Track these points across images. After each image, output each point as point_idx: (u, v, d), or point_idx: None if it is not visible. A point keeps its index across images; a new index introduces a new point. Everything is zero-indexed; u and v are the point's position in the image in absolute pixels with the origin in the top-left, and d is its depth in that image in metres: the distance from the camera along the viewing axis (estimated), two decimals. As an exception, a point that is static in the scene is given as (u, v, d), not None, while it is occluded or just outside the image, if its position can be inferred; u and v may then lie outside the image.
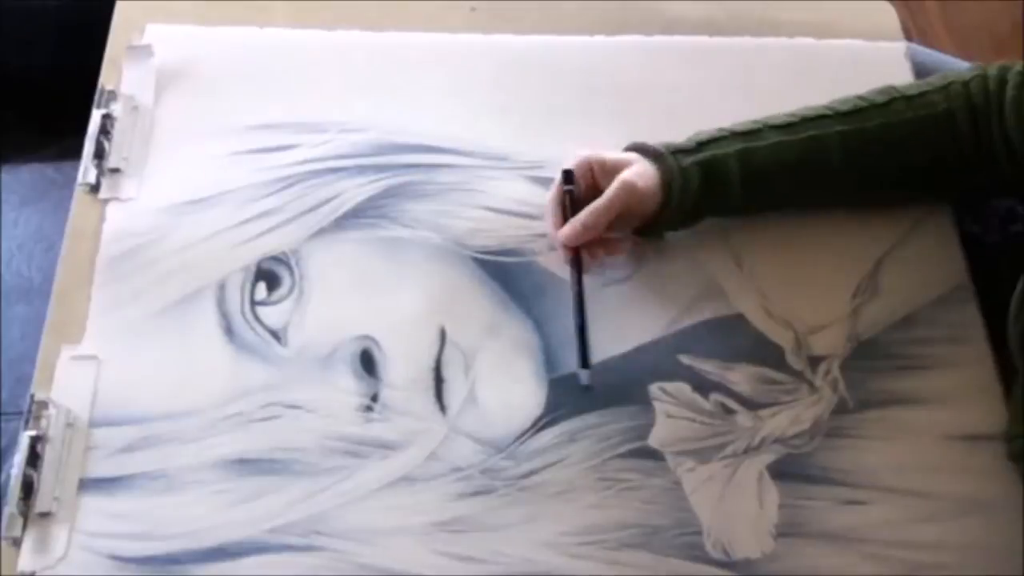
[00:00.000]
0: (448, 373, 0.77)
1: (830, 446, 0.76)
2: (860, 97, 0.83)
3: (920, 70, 0.94)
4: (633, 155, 0.81)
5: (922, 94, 0.82)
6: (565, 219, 0.80)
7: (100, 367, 0.75)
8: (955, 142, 0.81)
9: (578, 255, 0.79)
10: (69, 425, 0.73)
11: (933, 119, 0.81)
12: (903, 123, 0.81)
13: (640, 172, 0.79)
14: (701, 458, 0.75)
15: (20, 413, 0.72)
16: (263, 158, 0.85)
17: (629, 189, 0.78)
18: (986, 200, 0.91)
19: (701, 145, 0.80)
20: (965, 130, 0.81)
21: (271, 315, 0.78)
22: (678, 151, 0.80)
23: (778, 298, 0.82)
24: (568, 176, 0.81)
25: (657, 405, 0.77)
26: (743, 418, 0.77)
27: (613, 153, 0.82)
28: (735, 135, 0.81)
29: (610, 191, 0.78)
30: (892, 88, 0.83)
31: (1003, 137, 0.80)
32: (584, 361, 0.76)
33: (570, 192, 0.81)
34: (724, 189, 0.80)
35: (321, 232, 0.82)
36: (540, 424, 0.75)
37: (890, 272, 0.84)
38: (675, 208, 0.79)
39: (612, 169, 0.80)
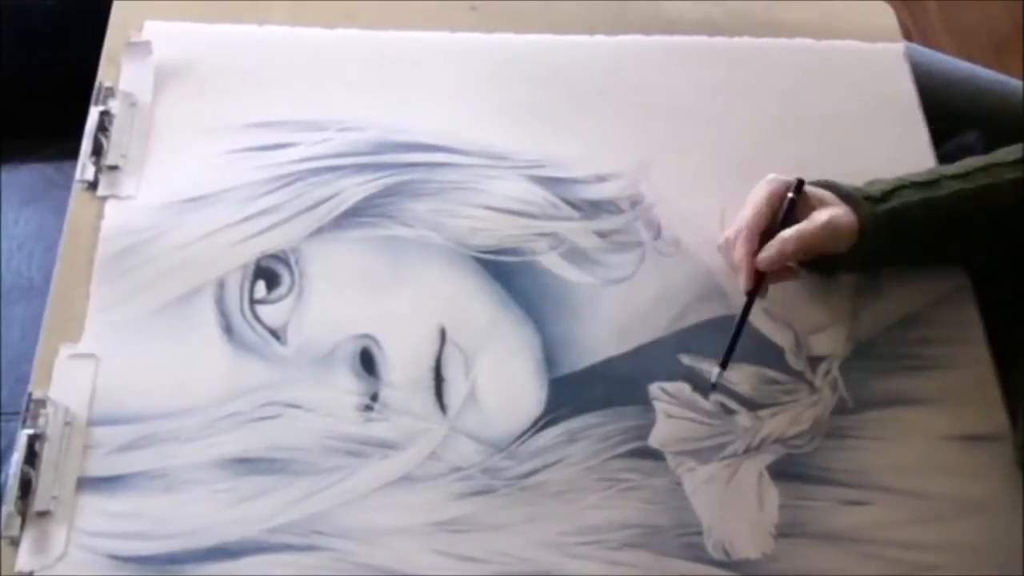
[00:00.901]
0: (448, 373, 0.77)
1: (830, 446, 0.76)
2: (1019, 146, 0.82)
3: (920, 71, 0.95)
4: (827, 192, 0.80)
5: None
6: (772, 216, 0.78)
7: (99, 365, 0.75)
8: None
9: (758, 283, 0.78)
10: (67, 424, 0.72)
11: None
12: None
13: (843, 214, 0.77)
14: (701, 458, 0.75)
15: (19, 412, 0.72)
16: (262, 156, 0.85)
17: (833, 231, 0.77)
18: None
19: (885, 194, 0.79)
20: None
21: (270, 314, 0.78)
22: (868, 197, 0.79)
23: (778, 298, 0.82)
24: (800, 186, 0.79)
25: (657, 405, 0.77)
26: (743, 418, 0.77)
27: (813, 188, 0.80)
28: (916, 185, 0.80)
29: (815, 227, 0.76)
30: None
31: None
32: (724, 362, 0.77)
33: (793, 201, 0.78)
34: (909, 240, 0.79)
35: (320, 231, 0.82)
36: (540, 424, 0.75)
37: (890, 272, 0.84)
38: (863, 256, 0.79)
39: (814, 203, 0.78)
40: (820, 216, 0.77)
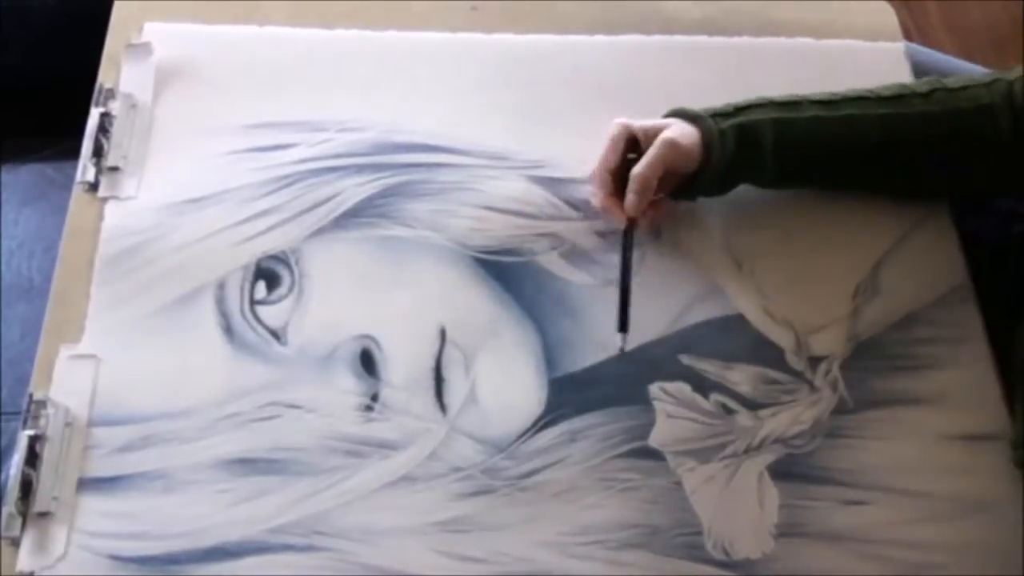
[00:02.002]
0: (448, 373, 0.77)
1: (830, 446, 0.76)
2: (903, 85, 0.84)
3: (920, 70, 0.95)
4: (671, 119, 0.81)
5: (965, 87, 0.82)
6: (617, 187, 0.80)
7: (99, 366, 0.75)
8: (993, 137, 0.81)
9: (633, 223, 0.80)
10: (68, 424, 0.72)
11: (974, 112, 0.81)
12: (944, 113, 0.81)
13: (681, 131, 0.79)
14: (701, 458, 0.75)
15: (20, 413, 0.72)
16: (262, 157, 0.85)
17: (671, 146, 0.78)
18: (988, 200, 0.91)
19: (738, 110, 0.81)
20: (1005, 126, 0.80)
21: (271, 314, 0.78)
22: (716, 114, 0.81)
23: (778, 298, 0.82)
24: (634, 145, 0.81)
25: (657, 405, 0.77)
26: (743, 418, 0.77)
27: (652, 119, 0.82)
28: (774, 104, 0.81)
29: (653, 149, 0.78)
30: (936, 80, 0.84)
31: None
32: (623, 325, 0.78)
33: (635, 159, 0.80)
34: (758, 155, 0.81)
35: (320, 231, 0.82)
36: (540, 424, 0.75)
37: (890, 272, 0.84)
38: (713, 169, 0.80)
39: (653, 133, 0.80)
40: (660, 139, 0.79)
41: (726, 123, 0.80)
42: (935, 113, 0.81)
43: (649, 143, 0.79)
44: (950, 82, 0.83)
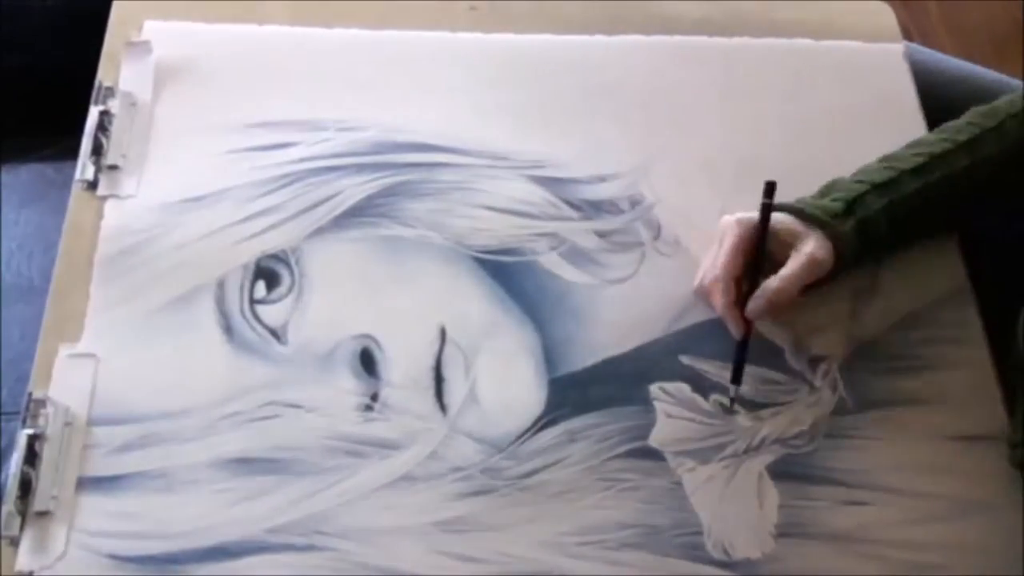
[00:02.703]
0: (448, 372, 0.77)
1: (830, 446, 0.76)
2: (970, 123, 0.83)
3: (919, 70, 0.95)
4: (792, 220, 0.79)
5: None
6: (745, 258, 0.78)
7: (98, 365, 0.75)
8: None
9: (750, 330, 0.78)
10: (67, 424, 0.72)
11: None
12: (1016, 143, 0.82)
13: (820, 246, 0.78)
14: (701, 458, 0.75)
15: (20, 412, 0.72)
16: (262, 156, 0.85)
17: (816, 267, 0.77)
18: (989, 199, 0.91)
19: (849, 205, 0.79)
20: None
21: (270, 313, 0.78)
22: (836, 215, 0.79)
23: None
24: (770, 190, 0.79)
25: (657, 405, 0.77)
26: (743, 418, 0.77)
27: (777, 218, 0.79)
28: (875, 187, 0.80)
29: (799, 267, 0.77)
30: (994, 108, 0.83)
31: None
32: (736, 378, 0.77)
33: (768, 207, 0.78)
34: (875, 247, 0.81)
35: (320, 231, 0.82)
36: (540, 424, 0.75)
37: (890, 272, 0.84)
38: (839, 273, 0.80)
39: (785, 238, 0.78)
40: (802, 256, 0.77)
41: (847, 224, 0.79)
42: (1008, 146, 0.81)
43: (778, 248, 0.78)
44: (1011, 107, 0.83)
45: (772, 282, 0.77)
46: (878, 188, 0.80)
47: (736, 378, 0.77)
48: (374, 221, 0.83)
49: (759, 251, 0.78)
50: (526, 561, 0.71)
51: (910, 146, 0.83)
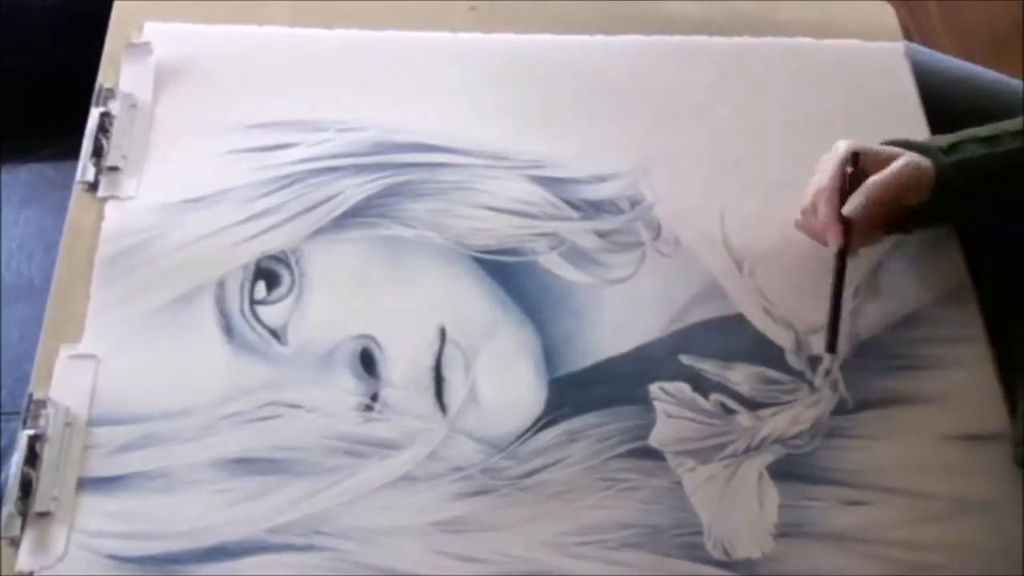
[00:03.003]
0: (448, 373, 0.77)
1: (830, 446, 0.76)
2: None
3: (919, 70, 0.95)
4: (897, 149, 0.80)
5: None
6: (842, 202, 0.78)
7: (99, 366, 0.75)
8: None
9: (848, 245, 0.78)
10: (68, 424, 0.72)
11: None
12: None
13: (921, 160, 0.79)
14: (701, 458, 0.75)
15: (20, 413, 0.72)
16: (262, 156, 0.85)
17: (915, 169, 0.78)
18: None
19: (953, 146, 0.80)
20: None
21: (271, 314, 0.78)
22: (937, 148, 0.80)
23: (778, 298, 0.82)
24: (856, 158, 0.79)
25: (657, 405, 0.77)
26: (743, 418, 0.77)
27: (883, 147, 0.81)
28: (978, 139, 0.81)
29: (897, 167, 0.78)
30: None
31: None
32: (831, 346, 0.77)
33: (855, 174, 0.79)
34: (975, 191, 0.80)
35: (321, 231, 0.82)
36: (540, 424, 0.75)
37: (890, 272, 0.84)
38: (940, 205, 0.79)
39: (885, 158, 0.79)
40: (899, 162, 0.78)
41: (947, 159, 0.79)
42: None
43: (877, 167, 0.78)
44: None
45: (872, 178, 0.77)
46: (981, 140, 0.81)
47: (833, 325, 0.77)
48: (374, 221, 0.83)
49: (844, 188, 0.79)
50: (526, 561, 0.71)
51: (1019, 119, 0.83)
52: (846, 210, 0.78)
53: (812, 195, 0.81)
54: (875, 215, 0.78)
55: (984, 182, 0.80)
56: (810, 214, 0.81)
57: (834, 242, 0.79)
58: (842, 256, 0.78)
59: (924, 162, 0.79)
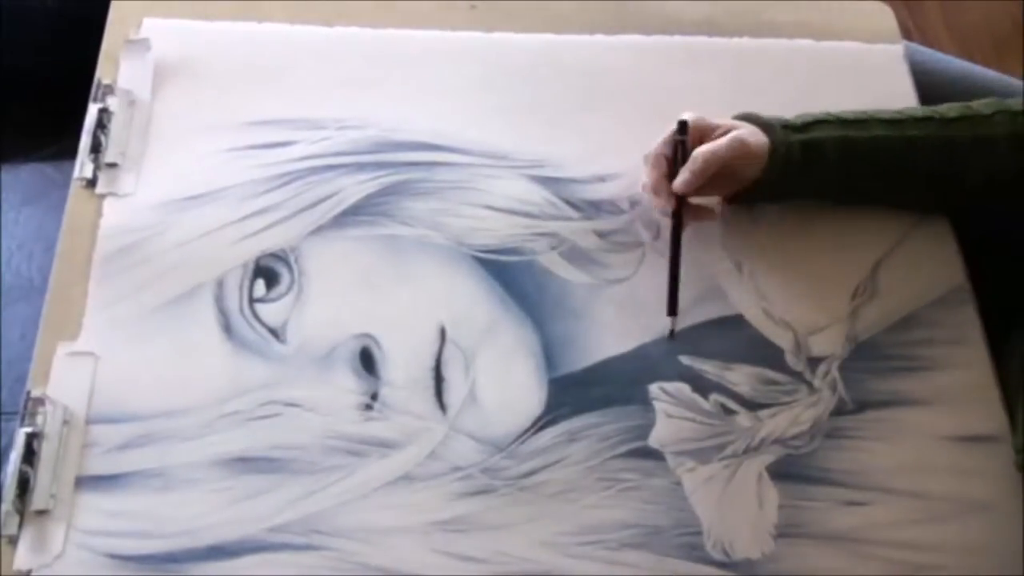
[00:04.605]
0: (448, 372, 0.76)
1: (830, 447, 0.76)
2: (966, 106, 0.83)
3: (919, 70, 0.95)
4: (740, 121, 0.82)
5: None
6: (671, 170, 0.80)
7: (97, 364, 0.75)
8: None
9: (681, 205, 0.80)
10: (66, 422, 0.72)
11: None
12: (1006, 136, 0.82)
13: (752, 132, 0.80)
14: (701, 458, 0.75)
15: (19, 412, 0.71)
16: (261, 154, 0.85)
17: (740, 143, 0.79)
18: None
19: (807, 125, 0.81)
20: None
21: (270, 312, 0.78)
22: (786, 126, 0.81)
23: (778, 299, 0.82)
24: (683, 127, 0.81)
25: (657, 405, 0.77)
26: (743, 418, 0.77)
27: (721, 118, 0.82)
28: (841, 121, 0.82)
29: (722, 141, 0.79)
30: (999, 102, 0.83)
31: None
32: (672, 308, 0.78)
33: (683, 143, 0.81)
34: (820, 172, 0.81)
35: (320, 229, 0.82)
36: (540, 424, 0.75)
37: (889, 273, 0.84)
38: (775, 178, 0.80)
39: (722, 131, 0.80)
40: (729, 135, 0.79)
41: (795, 137, 0.80)
42: (998, 135, 0.81)
43: (715, 139, 0.80)
44: (1013, 104, 0.83)
45: (697, 149, 0.79)
46: (843, 122, 0.82)
47: (674, 263, 0.79)
48: (374, 220, 0.82)
49: (674, 170, 0.80)
50: (526, 561, 0.71)
51: (898, 109, 0.84)
52: (676, 185, 0.79)
53: (646, 158, 0.83)
54: (708, 187, 0.79)
55: (834, 163, 0.80)
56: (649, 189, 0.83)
57: (661, 207, 0.81)
58: (676, 218, 0.80)
59: (757, 137, 0.80)
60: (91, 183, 0.82)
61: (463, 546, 0.71)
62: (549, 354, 0.78)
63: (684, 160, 0.80)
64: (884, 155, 0.81)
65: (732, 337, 0.80)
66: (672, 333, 0.79)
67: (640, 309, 0.81)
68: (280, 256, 0.80)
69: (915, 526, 0.74)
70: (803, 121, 0.81)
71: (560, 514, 0.72)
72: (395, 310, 0.79)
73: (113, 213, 0.81)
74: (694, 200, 0.81)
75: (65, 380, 0.74)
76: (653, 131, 0.83)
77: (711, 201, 0.84)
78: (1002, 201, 0.84)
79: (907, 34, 1.00)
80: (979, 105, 0.83)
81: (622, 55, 0.94)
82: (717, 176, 0.79)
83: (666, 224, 0.82)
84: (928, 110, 0.84)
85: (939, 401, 0.79)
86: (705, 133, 0.81)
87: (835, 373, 0.79)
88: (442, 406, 0.75)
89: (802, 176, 0.81)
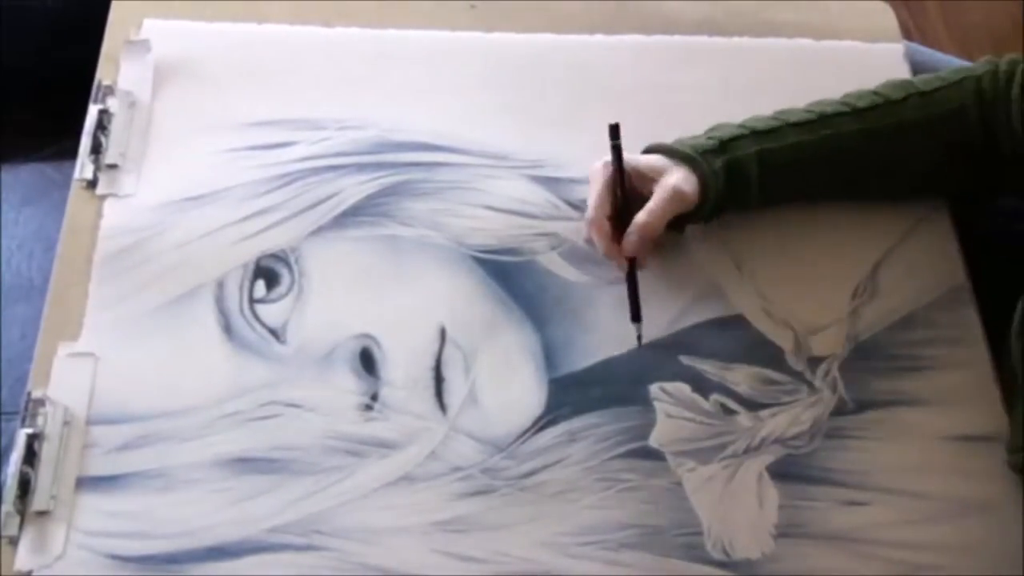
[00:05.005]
0: (448, 372, 0.76)
1: (830, 447, 0.76)
2: (876, 92, 0.83)
3: (919, 70, 0.94)
4: (658, 158, 0.81)
5: (937, 89, 0.83)
6: (613, 194, 0.79)
7: (98, 364, 0.75)
8: (965, 138, 0.82)
9: (634, 262, 0.79)
10: (66, 423, 0.72)
11: (947, 116, 0.82)
12: (918, 121, 0.82)
13: (683, 178, 0.79)
14: (701, 458, 0.75)
15: (19, 412, 0.72)
16: (262, 155, 0.85)
17: (679, 197, 0.78)
18: (992, 200, 0.91)
19: (723, 144, 0.81)
20: (975, 126, 0.81)
21: (270, 313, 0.78)
22: (705, 151, 0.80)
23: (778, 299, 0.82)
24: (615, 131, 0.80)
25: (657, 405, 0.77)
26: (743, 418, 0.77)
27: (643, 157, 0.81)
28: (755, 134, 0.81)
29: (659, 200, 0.78)
30: (909, 83, 0.84)
31: (1008, 133, 0.80)
32: (636, 315, 0.78)
33: (617, 147, 0.80)
34: (744, 189, 0.81)
35: (320, 230, 0.82)
36: (540, 424, 0.75)
37: (889, 273, 0.84)
38: (707, 207, 0.80)
39: (648, 174, 0.80)
40: (665, 188, 0.78)
41: (717, 161, 0.80)
42: (909, 122, 0.82)
43: (644, 184, 0.79)
44: (922, 83, 0.83)
45: (640, 216, 0.78)
46: (757, 134, 0.81)
47: (635, 315, 0.78)
48: (374, 220, 0.83)
49: (617, 193, 0.79)
50: (526, 561, 0.71)
51: (809, 104, 0.84)
52: (626, 250, 0.78)
53: (587, 227, 0.81)
54: (653, 236, 0.79)
55: (759, 177, 0.80)
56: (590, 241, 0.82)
57: (618, 266, 0.80)
58: (631, 275, 0.79)
59: (689, 178, 0.79)
60: (91, 184, 0.82)
61: (463, 546, 0.71)
62: (549, 354, 0.78)
63: (620, 164, 0.79)
64: (802, 159, 0.81)
65: (732, 337, 0.80)
66: (639, 339, 0.78)
67: (641, 309, 0.80)
68: (280, 257, 0.80)
69: (915, 526, 0.74)
70: (720, 140, 0.81)
71: (560, 514, 0.72)
72: (395, 310, 0.79)
73: (113, 214, 0.81)
74: None
75: (66, 381, 0.74)
76: (653, 131, 0.83)
77: None
78: (933, 188, 0.86)
79: (907, 34, 1.00)
80: (888, 89, 0.83)
81: (622, 55, 0.94)
82: None
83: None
84: (840, 104, 0.83)
85: (939, 401, 0.79)
86: (635, 177, 0.80)
87: (835, 373, 0.79)
88: (442, 406, 0.75)
89: (728, 196, 0.81)
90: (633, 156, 0.81)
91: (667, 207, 0.78)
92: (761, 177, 0.80)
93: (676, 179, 0.78)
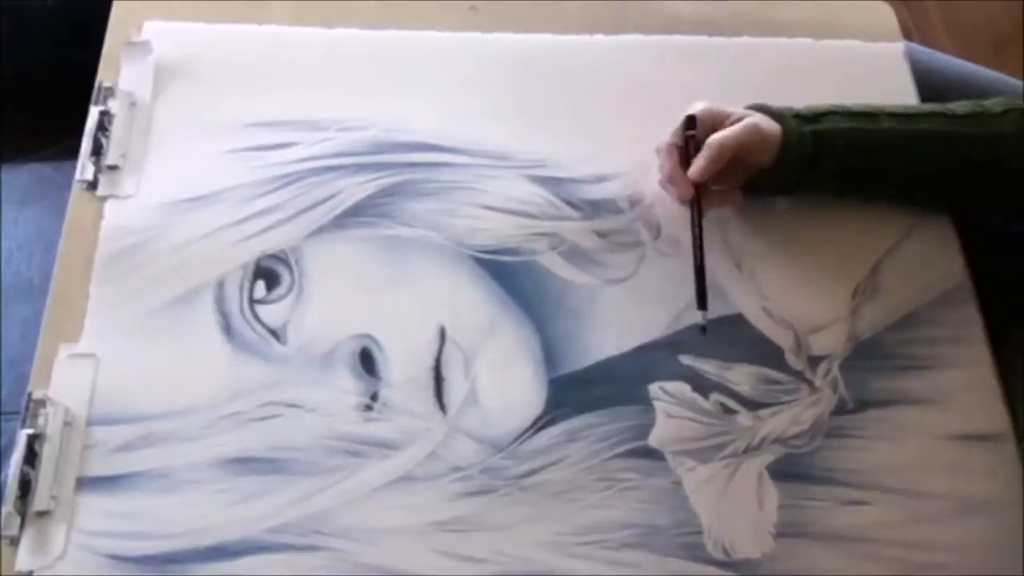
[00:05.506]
0: (448, 372, 0.77)
1: (830, 446, 0.76)
2: (978, 102, 0.83)
3: (919, 70, 0.95)
4: (752, 111, 0.82)
5: None
6: (684, 161, 0.80)
7: (98, 365, 0.75)
8: None
9: (699, 193, 0.80)
10: (67, 423, 0.72)
11: None
12: (1014, 135, 0.82)
13: (765, 121, 0.80)
14: (701, 458, 0.75)
15: (20, 412, 0.72)
16: (262, 155, 0.85)
17: (753, 130, 0.79)
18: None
19: (817, 116, 0.81)
20: None
21: (270, 313, 0.78)
22: (797, 115, 0.81)
23: (778, 298, 0.82)
24: (691, 122, 0.81)
25: (657, 405, 0.77)
26: (743, 418, 0.77)
27: (734, 107, 0.82)
28: (850, 114, 0.82)
29: (736, 128, 0.79)
30: (1011, 100, 0.84)
31: None
32: (702, 302, 0.77)
33: (692, 137, 0.81)
34: (830, 163, 0.81)
35: (320, 230, 0.82)
36: (540, 424, 0.75)
37: (890, 272, 0.84)
38: (787, 168, 0.80)
39: (735, 119, 0.81)
40: (744, 122, 0.79)
41: (806, 127, 0.80)
42: (1009, 134, 0.81)
43: (729, 126, 0.80)
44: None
45: (712, 136, 0.79)
46: (852, 114, 0.82)
47: (701, 302, 0.78)
48: (374, 221, 0.83)
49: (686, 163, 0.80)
50: (526, 561, 0.71)
51: (906, 105, 0.85)
52: (691, 173, 0.79)
53: (658, 149, 0.83)
54: (722, 174, 0.79)
55: (843, 154, 0.81)
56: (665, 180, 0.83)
57: (680, 196, 0.81)
58: (695, 205, 0.80)
59: (770, 125, 0.80)
60: (92, 185, 0.82)
61: (463, 546, 0.71)
62: (549, 354, 0.78)
63: (695, 155, 0.80)
64: (893, 148, 0.81)
65: (732, 336, 0.80)
66: (704, 329, 0.78)
67: (640, 309, 0.81)
68: (280, 257, 0.80)
69: (916, 525, 0.74)
70: (813, 112, 0.81)
71: (560, 514, 0.72)
72: (395, 311, 0.79)
73: (114, 215, 0.81)
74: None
75: (66, 381, 0.74)
76: (653, 131, 0.83)
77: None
78: (1009, 200, 0.84)
79: (907, 34, 0.99)
80: (990, 103, 0.83)
81: (622, 55, 0.94)
82: (729, 164, 0.79)
83: (671, 220, 0.82)
84: (938, 106, 0.84)
85: (940, 400, 0.79)
86: (718, 121, 0.81)
87: (836, 372, 0.79)
88: (442, 406, 0.75)
89: (812, 166, 0.81)
90: (728, 105, 0.82)
91: (741, 134, 0.78)
92: (845, 156, 0.81)
93: (758, 118, 0.80)
